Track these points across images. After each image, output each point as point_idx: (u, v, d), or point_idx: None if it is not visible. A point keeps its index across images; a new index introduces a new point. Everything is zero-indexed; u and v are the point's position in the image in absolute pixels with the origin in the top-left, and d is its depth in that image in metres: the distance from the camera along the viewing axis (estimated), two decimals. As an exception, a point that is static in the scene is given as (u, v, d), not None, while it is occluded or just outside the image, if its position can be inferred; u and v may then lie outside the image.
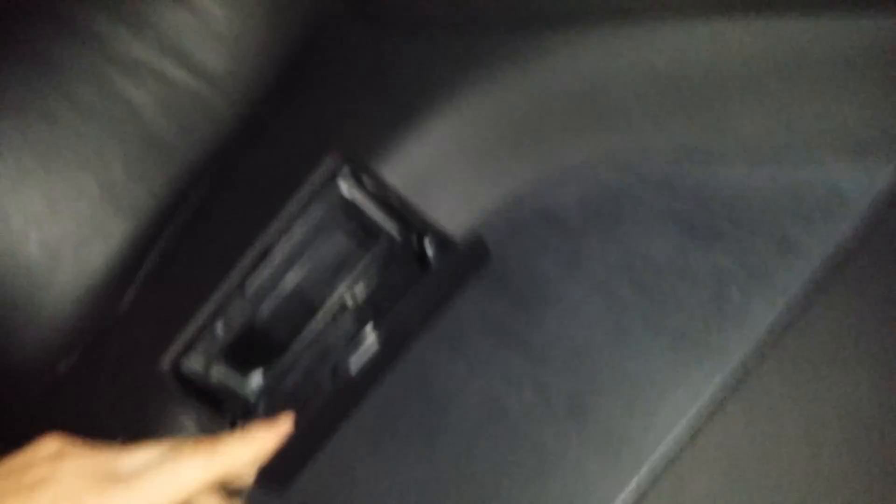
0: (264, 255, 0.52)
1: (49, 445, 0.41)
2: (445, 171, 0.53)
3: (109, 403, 0.53)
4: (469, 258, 0.51)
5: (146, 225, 0.60)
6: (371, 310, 0.53)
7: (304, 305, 0.53)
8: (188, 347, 0.51)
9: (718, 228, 0.45)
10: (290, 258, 0.52)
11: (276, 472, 0.44)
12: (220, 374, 0.52)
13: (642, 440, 0.39)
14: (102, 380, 0.55)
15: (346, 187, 0.52)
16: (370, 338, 0.47)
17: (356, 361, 0.46)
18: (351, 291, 0.53)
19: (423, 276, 0.49)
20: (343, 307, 0.53)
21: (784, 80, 0.46)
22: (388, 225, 0.53)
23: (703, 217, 0.46)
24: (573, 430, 0.42)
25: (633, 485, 0.40)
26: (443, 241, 0.52)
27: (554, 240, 0.49)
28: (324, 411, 0.46)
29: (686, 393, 0.39)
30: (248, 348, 0.52)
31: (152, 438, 0.44)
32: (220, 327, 0.51)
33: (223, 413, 0.51)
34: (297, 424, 0.44)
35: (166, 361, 0.51)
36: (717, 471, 0.40)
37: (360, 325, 0.53)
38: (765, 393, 0.40)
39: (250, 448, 0.43)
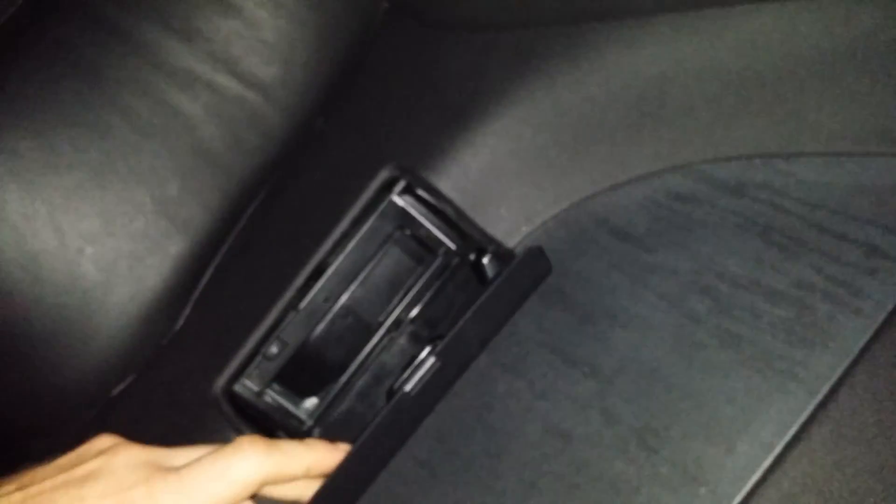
0: (319, 272, 0.50)
1: (102, 442, 0.41)
2: (502, 179, 0.51)
3: (162, 427, 0.52)
4: (529, 271, 0.48)
5: (201, 242, 0.59)
6: (428, 327, 0.51)
7: (359, 324, 0.51)
8: (241, 369, 0.50)
9: (798, 235, 0.42)
10: (346, 276, 0.50)
11: (330, 500, 0.43)
12: (274, 397, 0.51)
13: (720, 478, 0.36)
14: (155, 402, 0.55)
15: (401, 201, 0.50)
16: (428, 359, 0.45)
17: (413, 384, 0.44)
18: (407, 308, 0.52)
19: (482, 291, 0.47)
20: (399, 325, 0.52)
21: (861, 67, 0.42)
22: (446, 239, 0.51)
23: (782, 222, 0.43)
24: (645, 463, 0.39)
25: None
26: (501, 254, 0.50)
27: (619, 251, 0.47)
28: (380, 437, 0.44)
29: (769, 425, 0.36)
30: (302, 370, 0.50)
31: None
32: (274, 348, 0.50)
33: (277, 438, 0.50)
34: (353, 451, 0.43)
35: (219, 384, 0.50)
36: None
37: (417, 343, 0.51)
38: (853, 417, 0.36)
39: (308, 455, 0.42)
